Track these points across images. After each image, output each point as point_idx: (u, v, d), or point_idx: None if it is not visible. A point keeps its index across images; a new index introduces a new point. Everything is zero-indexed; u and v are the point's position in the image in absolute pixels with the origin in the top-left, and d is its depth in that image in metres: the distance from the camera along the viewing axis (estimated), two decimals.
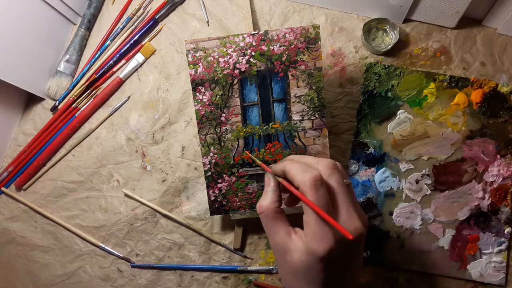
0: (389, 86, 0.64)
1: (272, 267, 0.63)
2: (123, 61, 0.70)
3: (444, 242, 0.61)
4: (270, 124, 0.58)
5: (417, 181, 0.62)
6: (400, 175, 0.63)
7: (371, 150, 0.63)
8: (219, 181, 0.59)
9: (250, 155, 0.56)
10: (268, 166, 0.45)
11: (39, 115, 0.71)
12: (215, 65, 0.56)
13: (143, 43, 0.70)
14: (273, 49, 0.55)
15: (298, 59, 0.56)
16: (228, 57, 0.56)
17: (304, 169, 0.38)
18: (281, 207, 0.42)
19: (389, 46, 0.64)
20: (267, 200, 0.42)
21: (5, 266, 0.69)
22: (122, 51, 0.69)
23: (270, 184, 0.43)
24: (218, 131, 0.58)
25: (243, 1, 0.64)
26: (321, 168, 0.39)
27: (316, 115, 0.57)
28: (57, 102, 0.70)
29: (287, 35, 0.55)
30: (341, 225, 0.37)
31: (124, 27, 0.70)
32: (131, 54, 0.70)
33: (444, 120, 0.63)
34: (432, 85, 0.63)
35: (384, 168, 0.63)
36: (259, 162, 0.48)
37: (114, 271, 0.67)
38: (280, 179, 0.42)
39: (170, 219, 0.66)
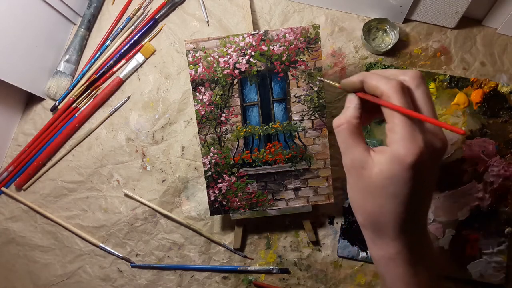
0: None
1: (272, 267, 0.63)
2: (123, 61, 0.70)
3: (444, 242, 0.61)
4: (270, 124, 0.58)
5: None
6: None
7: None
8: (219, 181, 0.59)
9: (325, 80, 0.50)
10: (341, 81, 0.41)
11: (39, 115, 0.71)
12: (215, 65, 0.56)
13: (143, 43, 0.70)
14: (273, 49, 0.55)
15: (298, 59, 0.56)
16: (228, 57, 0.56)
17: (387, 78, 0.36)
18: None
19: (389, 46, 0.64)
20: (349, 114, 0.39)
21: (5, 266, 0.69)
22: (122, 51, 0.69)
23: (353, 100, 0.39)
24: (218, 131, 0.58)
25: (243, 1, 0.64)
26: (407, 78, 0.37)
27: (316, 115, 0.57)
28: (57, 102, 0.70)
29: (287, 35, 0.55)
30: (427, 135, 0.35)
31: (124, 27, 0.71)
32: (131, 54, 0.70)
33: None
34: (432, 85, 0.63)
35: None
36: (336, 84, 0.43)
37: (114, 271, 0.67)
38: (359, 93, 0.39)
39: (170, 219, 0.66)
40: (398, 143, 0.35)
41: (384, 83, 0.36)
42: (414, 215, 0.37)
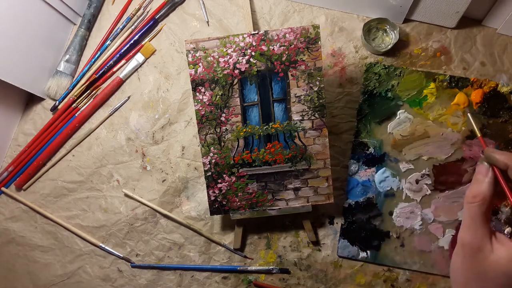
0: (389, 86, 0.64)
1: (272, 267, 0.63)
2: (123, 61, 0.70)
3: (444, 242, 0.61)
4: (270, 124, 0.58)
5: (417, 181, 0.62)
6: (400, 175, 0.63)
7: (371, 150, 0.63)
8: (219, 181, 0.59)
9: (469, 114, 0.48)
10: (485, 150, 0.39)
11: (39, 115, 0.71)
12: (215, 65, 0.56)
13: (143, 43, 0.70)
14: (273, 49, 0.55)
15: (298, 59, 0.56)
16: (228, 57, 0.56)
17: None
18: None
19: (389, 46, 0.64)
20: (483, 189, 0.37)
21: (5, 266, 0.69)
22: (122, 51, 0.69)
23: (488, 174, 0.38)
24: (218, 131, 0.58)
25: (243, 1, 0.64)
26: None
27: (316, 115, 0.57)
28: (57, 102, 0.70)
29: (287, 35, 0.55)
30: None
31: (124, 27, 0.70)
32: (131, 54, 0.70)
33: (444, 120, 0.63)
34: (432, 85, 0.63)
35: (384, 168, 0.63)
36: (479, 134, 0.41)
37: (114, 271, 0.67)
38: (496, 170, 0.38)
39: (170, 219, 0.66)
40: None
41: None
42: None
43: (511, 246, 0.36)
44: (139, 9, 0.70)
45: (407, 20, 0.65)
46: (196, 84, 0.56)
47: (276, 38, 0.55)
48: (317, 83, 0.56)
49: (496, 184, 0.38)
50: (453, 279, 0.39)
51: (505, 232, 0.60)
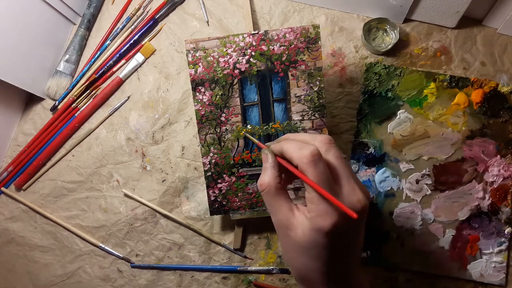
0: (389, 86, 0.64)
1: (272, 267, 0.63)
2: (123, 61, 0.70)
3: (444, 242, 0.61)
4: (270, 124, 0.58)
5: (417, 181, 0.62)
6: (400, 175, 0.63)
7: (371, 150, 0.63)
8: (219, 181, 0.59)
9: (245, 133, 0.55)
10: (265, 145, 0.44)
11: (39, 115, 0.71)
12: (215, 65, 0.56)
13: (143, 43, 0.70)
14: (273, 49, 0.55)
15: (298, 59, 0.56)
16: (228, 57, 0.55)
17: (300, 146, 0.38)
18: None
19: (389, 46, 0.64)
20: (267, 177, 0.40)
21: (5, 266, 0.69)
22: (122, 51, 0.69)
23: (268, 160, 0.41)
24: (218, 131, 0.58)
25: (243, 1, 0.64)
26: (317, 144, 0.39)
27: (316, 115, 0.57)
28: (57, 102, 0.70)
29: (287, 35, 0.55)
30: (344, 198, 0.37)
31: (124, 27, 0.70)
32: (131, 54, 0.70)
33: (445, 120, 0.63)
34: (432, 85, 0.63)
35: (384, 168, 0.63)
36: (255, 141, 0.47)
37: (114, 271, 0.67)
38: (278, 158, 0.41)
39: (170, 219, 0.66)
40: (315, 213, 0.37)
41: (298, 153, 0.38)
42: (337, 271, 0.40)
43: (307, 216, 0.38)
44: (139, 9, 0.70)
45: (407, 20, 0.65)
46: (196, 84, 0.56)
47: (276, 38, 0.55)
48: (317, 83, 0.56)
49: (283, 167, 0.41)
50: (285, 260, 0.42)
51: (505, 232, 0.60)
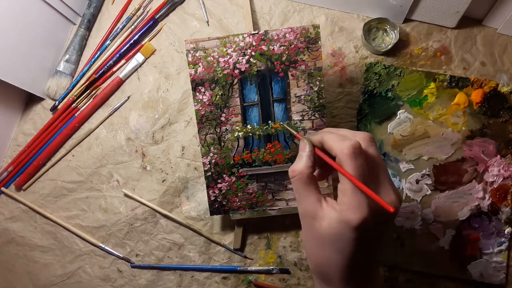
0: (389, 86, 0.64)
1: (272, 267, 0.63)
2: (123, 61, 0.70)
3: (444, 242, 0.61)
4: (270, 124, 0.58)
5: (417, 181, 0.62)
6: (400, 175, 0.63)
7: None
8: (219, 181, 0.59)
9: (284, 125, 0.54)
10: (305, 136, 0.43)
11: (39, 115, 0.71)
12: (215, 65, 0.56)
13: (143, 43, 0.70)
14: (273, 49, 0.55)
15: (298, 59, 0.56)
16: (228, 57, 0.55)
17: (342, 138, 0.38)
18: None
19: (389, 46, 0.64)
20: (301, 164, 0.40)
21: (5, 266, 0.69)
22: (122, 51, 0.69)
23: (305, 149, 0.41)
24: (218, 131, 0.58)
25: (243, 1, 0.64)
26: (358, 140, 0.39)
27: (316, 115, 0.57)
28: (57, 102, 0.70)
29: (287, 35, 0.55)
30: (379, 196, 0.37)
31: (124, 27, 0.70)
32: (131, 54, 0.70)
33: (445, 120, 0.63)
34: (432, 85, 0.63)
35: None
36: (294, 132, 0.46)
37: (114, 271, 0.67)
38: (316, 150, 0.41)
39: (170, 219, 0.66)
40: (346, 205, 0.37)
41: (339, 144, 0.38)
42: (358, 268, 0.39)
43: (336, 208, 0.37)
44: (139, 9, 0.70)
45: (407, 20, 0.65)
46: (196, 84, 0.56)
47: (276, 38, 0.55)
48: (317, 83, 0.56)
49: (321, 163, 0.42)
50: (305, 251, 0.41)
51: (505, 232, 0.60)
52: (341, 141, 0.38)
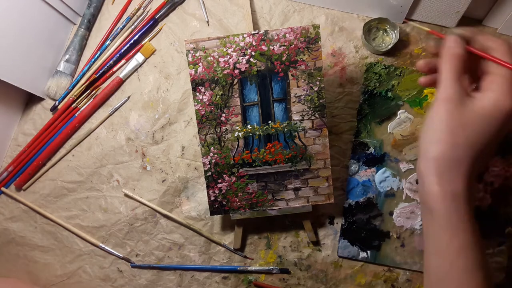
0: (389, 86, 0.64)
1: (272, 267, 0.63)
2: (123, 61, 0.70)
3: None
4: (270, 124, 0.58)
5: (417, 181, 0.62)
6: (400, 175, 0.63)
7: (371, 150, 0.63)
8: (219, 181, 0.59)
9: (418, 25, 0.56)
10: (450, 30, 0.46)
11: (39, 115, 0.71)
12: (215, 65, 0.56)
13: (143, 43, 0.70)
14: (273, 49, 0.55)
15: (298, 59, 0.56)
16: (228, 57, 0.55)
17: (495, 38, 0.41)
18: None
19: (390, 46, 0.64)
20: (456, 48, 0.42)
21: (5, 266, 0.69)
22: (122, 51, 0.69)
23: (457, 41, 0.42)
24: (218, 131, 0.58)
25: (243, 1, 0.64)
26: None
27: (316, 115, 0.57)
28: (57, 102, 0.70)
29: (287, 35, 0.55)
30: None
31: (124, 27, 0.70)
32: (131, 54, 0.70)
33: None
34: None
35: (384, 168, 0.63)
36: (426, 29, 0.48)
37: (114, 271, 0.67)
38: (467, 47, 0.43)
39: (170, 219, 0.66)
40: (500, 91, 0.39)
41: (494, 40, 0.41)
42: (483, 158, 0.41)
43: (490, 95, 0.40)
44: (139, 9, 0.70)
45: (407, 20, 0.65)
46: (196, 84, 0.56)
47: (276, 38, 0.55)
48: (317, 83, 0.56)
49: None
50: (430, 137, 0.42)
51: (505, 232, 0.60)
52: (495, 38, 0.41)
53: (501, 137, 0.42)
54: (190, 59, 0.56)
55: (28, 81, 0.67)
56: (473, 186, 0.42)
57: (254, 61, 0.56)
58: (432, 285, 0.43)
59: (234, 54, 0.55)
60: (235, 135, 0.57)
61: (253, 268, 0.63)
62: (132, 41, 0.69)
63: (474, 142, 0.40)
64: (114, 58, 0.70)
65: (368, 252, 0.62)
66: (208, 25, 0.69)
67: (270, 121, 0.58)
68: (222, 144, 0.58)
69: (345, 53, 0.66)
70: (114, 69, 0.70)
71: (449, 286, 0.41)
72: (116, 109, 0.69)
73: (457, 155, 0.41)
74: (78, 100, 0.70)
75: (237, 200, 0.59)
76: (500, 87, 0.39)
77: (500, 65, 0.40)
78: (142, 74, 0.70)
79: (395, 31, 0.64)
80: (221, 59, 0.56)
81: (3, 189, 0.70)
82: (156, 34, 0.70)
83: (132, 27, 0.70)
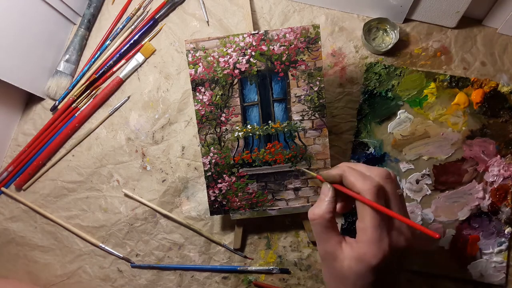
0: (389, 86, 0.64)
1: (272, 267, 0.63)
2: (123, 61, 0.70)
3: (444, 242, 0.61)
4: (270, 124, 0.58)
5: (417, 181, 0.62)
6: (400, 175, 0.63)
7: (371, 150, 0.63)
8: (219, 181, 0.59)
9: (303, 168, 0.56)
10: (320, 173, 0.44)
11: (39, 115, 0.71)
12: (215, 65, 0.56)
13: (143, 43, 0.70)
14: (273, 49, 0.55)
15: (298, 59, 0.56)
16: (228, 57, 0.55)
17: (364, 177, 0.39)
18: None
19: (390, 46, 0.64)
20: (322, 209, 0.41)
21: (5, 266, 0.69)
22: (122, 51, 0.69)
23: (328, 194, 0.42)
24: (218, 131, 0.58)
25: (243, 1, 0.64)
26: (375, 178, 0.40)
27: (316, 115, 0.57)
28: (57, 102, 0.70)
29: (287, 35, 0.55)
30: (393, 234, 0.39)
31: (124, 27, 0.70)
32: (131, 54, 0.69)
33: (445, 120, 0.63)
34: (433, 85, 0.63)
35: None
36: (314, 174, 0.48)
37: (114, 271, 0.67)
38: (339, 186, 0.42)
39: (170, 219, 0.66)
40: (366, 244, 0.38)
41: (362, 184, 0.39)
42: None
43: (355, 248, 0.39)
44: (139, 8, 0.70)
45: (407, 20, 0.65)
46: (196, 84, 0.56)
47: (276, 38, 0.55)
48: (317, 83, 0.56)
49: (341, 196, 0.43)
50: (328, 286, 0.43)
51: (505, 232, 0.60)
52: (363, 180, 0.39)
53: (395, 275, 0.41)
54: (190, 59, 0.56)
55: (28, 81, 0.67)
56: None
57: (254, 61, 0.56)
58: None
59: (234, 54, 0.55)
60: (235, 135, 0.57)
61: (253, 268, 0.63)
62: (132, 41, 0.69)
63: None
64: (114, 58, 0.70)
65: None
66: (208, 25, 0.69)
67: (270, 121, 0.58)
68: (222, 144, 0.58)
69: (345, 53, 0.66)
70: (114, 69, 0.70)
71: None
72: (116, 109, 0.69)
73: None
74: (78, 100, 0.70)
75: (237, 200, 0.59)
76: (366, 237, 0.38)
77: (367, 207, 0.38)
78: (142, 74, 0.70)
79: (395, 31, 0.64)
80: (221, 59, 0.56)
81: (3, 189, 0.70)
82: (156, 34, 0.70)
83: (132, 27, 0.70)
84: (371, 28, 0.66)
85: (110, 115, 0.69)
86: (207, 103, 0.57)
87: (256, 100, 0.58)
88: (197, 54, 0.55)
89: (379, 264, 0.37)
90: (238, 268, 0.63)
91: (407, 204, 0.62)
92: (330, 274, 0.42)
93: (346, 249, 0.40)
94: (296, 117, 0.57)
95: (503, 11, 0.61)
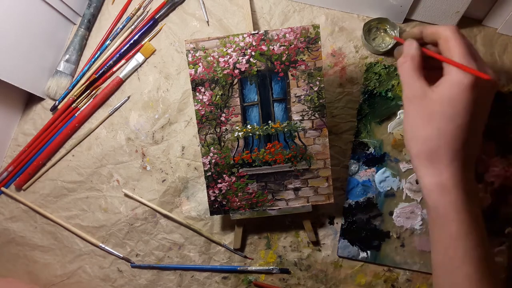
0: (389, 86, 0.64)
1: (272, 267, 0.63)
2: (123, 61, 0.70)
3: None
4: (270, 124, 0.58)
5: (417, 181, 0.62)
6: (400, 175, 0.63)
7: (371, 150, 0.63)
8: (219, 181, 0.59)
9: (397, 37, 0.60)
10: (402, 36, 0.48)
11: (39, 115, 0.71)
12: (215, 65, 0.56)
13: (143, 43, 0.70)
14: (273, 49, 0.55)
15: (298, 59, 0.56)
16: (228, 57, 0.55)
17: (441, 26, 0.44)
18: None
19: (390, 46, 0.64)
20: (411, 52, 0.44)
21: (5, 266, 0.69)
22: (122, 51, 0.69)
23: (413, 43, 0.45)
24: (218, 131, 0.58)
25: (243, 1, 0.64)
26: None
27: (316, 115, 0.57)
28: (57, 102, 0.70)
29: (287, 35, 0.55)
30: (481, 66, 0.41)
31: (124, 27, 0.70)
32: (131, 54, 0.70)
33: None
34: None
35: (384, 168, 0.63)
36: (398, 39, 0.52)
37: (114, 271, 0.67)
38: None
39: (170, 219, 0.66)
40: (455, 71, 0.40)
41: (444, 28, 0.43)
42: (467, 142, 0.41)
43: (445, 79, 0.41)
44: (139, 8, 0.70)
45: (407, 20, 0.65)
46: (196, 84, 0.56)
47: (276, 38, 0.55)
48: (317, 83, 0.56)
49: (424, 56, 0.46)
50: (408, 136, 0.44)
51: (505, 232, 0.60)
52: (442, 26, 0.43)
53: (482, 114, 0.42)
54: (190, 59, 0.56)
55: (28, 81, 0.67)
56: (468, 174, 0.42)
57: (254, 61, 0.56)
58: (434, 276, 0.44)
59: (234, 54, 0.55)
60: (235, 135, 0.57)
61: (253, 268, 0.63)
62: (132, 41, 0.69)
63: (445, 130, 0.41)
64: (114, 58, 0.70)
65: (368, 252, 0.62)
66: (208, 25, 0.69)
67: (270, 121, 0.58)
68: (222, 144, 0.58)
69: (345, 53, 0.66)
70: (114, 69, 0.70)
71: (444, 277, 0.42)
72: (116, 109, 0.69)
73: (433, 147, 0.41)
74: (78, 100, 0.70)
75: (237, 200, 0.59)
76: (454, 68, 0.40)
77: (451, 42, 0.42)
78: (142, 74, 0.70)
79: (395, 31, 0.64)
80: (221, 59, 0.56)
81: (3, 189, 0.70)
82: (156, 34, 0.70)
83: (132, 27, 0.70)
84: (371, 28, 0.66)
85: (110, 115, 0.69)
86: (207, 103, 0.57)
87: (256, 100, 0.58)
88: (197, 54, 0.55)
89: (473, 83, 0.39)
90: (238, 268, 0.63)
91: (407, 204, 0.62)
92: (416, 112, 0.42)
93: (435, 86, 0.41)
94: (296, 117, 0.57)
95: (503, 11, 0.61)
